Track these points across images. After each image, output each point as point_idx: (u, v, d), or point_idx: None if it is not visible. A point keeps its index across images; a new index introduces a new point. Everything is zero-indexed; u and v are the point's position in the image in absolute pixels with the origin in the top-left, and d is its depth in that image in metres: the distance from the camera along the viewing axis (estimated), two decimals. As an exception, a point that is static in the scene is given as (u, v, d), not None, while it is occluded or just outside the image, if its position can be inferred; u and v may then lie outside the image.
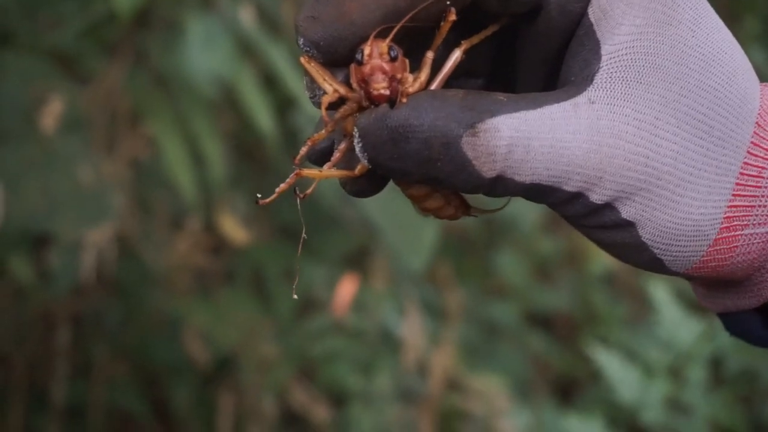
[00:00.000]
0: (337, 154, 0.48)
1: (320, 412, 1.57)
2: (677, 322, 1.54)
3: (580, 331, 2.05)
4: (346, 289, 1.58)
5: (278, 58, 1.59)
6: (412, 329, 1.61)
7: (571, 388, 2.03)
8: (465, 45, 0.48)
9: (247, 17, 1.61)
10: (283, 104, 1.69)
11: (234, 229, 1.62)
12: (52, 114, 1.58)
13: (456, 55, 0.48)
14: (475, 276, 1.89)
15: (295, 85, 1.57)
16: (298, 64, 0.47)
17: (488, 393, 1.63)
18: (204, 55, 1.53)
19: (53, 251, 1.55)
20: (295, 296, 0.51)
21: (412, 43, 0.49)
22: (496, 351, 1.83)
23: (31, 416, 1.65)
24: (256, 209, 1.72)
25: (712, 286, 0.52)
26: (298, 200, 0.49)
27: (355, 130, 0.47)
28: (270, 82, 1.64)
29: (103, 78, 1.66)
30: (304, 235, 0.51)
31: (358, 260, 1.71)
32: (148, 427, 1.71)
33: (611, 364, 1.48)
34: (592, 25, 0.48)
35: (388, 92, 0.46)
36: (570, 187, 0.47)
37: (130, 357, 1.67)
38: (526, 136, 0.46)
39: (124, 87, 1.63)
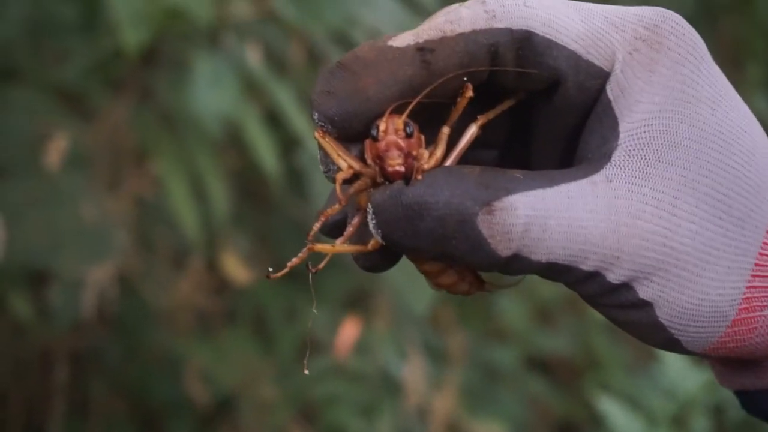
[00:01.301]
0: (350, 229, 0.47)
1: (320, 455, 1.56)
2: (681, 370, 1.53)
3: (580, 375, 2.04)
4: (349, 331, 1.57)
5: (284, 97, 1.59)
6: (413, 372, 1.60)
7: (572, 431, 2.02)
8: (481, 120, 0.48)
9: (253, 56, 1.61)
10: (288, 143, 1.69)
11: (236, 268, 1.61)
12: (56, 150, 1.57)
13: (472, 131, 0.48)
14: (477, 319, 1.89)
15: (301, 125, 1.57)
16: (314, 137, 0.47)
17: (489, 438, 1.61)
18: (210, 93, 1.53)
19: (54, 288, 1.54)
20: (308, 362, 0.50)
21: (428, 117, 0.48)
22: (497, 395, 1.82)
23: (28, 453, 1.64)
24: (258, 248, 1.71)
25: (729, 364, 0.51)
26: (310, 275, 0.48)
27: (369, 206, 0.46)
28: (275, 120, 1.64)
29: (108, 115, 1.66)
30: (314, 309, 0.51)
31: (360, 302, 1.70)
32: (145, 465, 1.69)
33: (614, 413, 1.47)
34: (610, 101, 0.48)
35: (403, 169, 0.46)
36: (587, 266, 0.46)
37: (129, 395, 1.66)
38: (543, 215, 0.46)
39: (129, 124, 1.63)
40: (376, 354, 1.60)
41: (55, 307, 1.53)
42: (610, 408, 1.49)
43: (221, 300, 1.69)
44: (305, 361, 0.50)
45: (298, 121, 1.56)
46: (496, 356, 1.87)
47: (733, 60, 2.41)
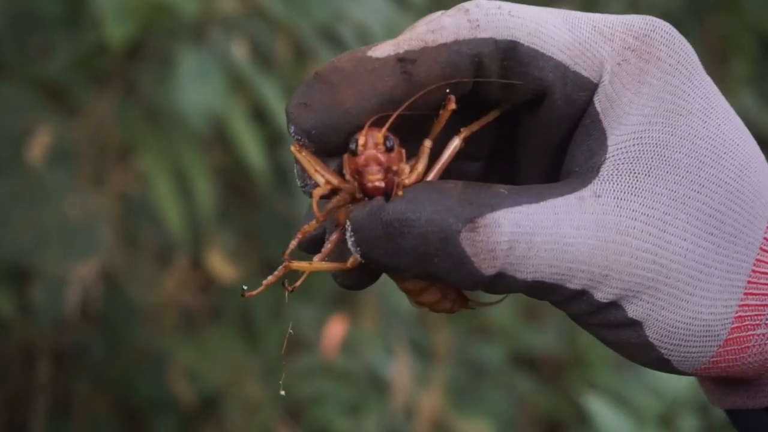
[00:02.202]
0: (328, 245, 0.46)
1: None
2: (668, 369, 1.52)
3: (566, 372, 2.04)
4: (335, 329, 1.56)
5: (270, 93, 1.58)
6: (400, 370, 1.59)
7: (557, 430, 2.02)
8: (464, 133, 0.47)
9: (239, 51, 1.60)
10: (273, 139, 1.68)
11: (222, 265, 1.60)
12: (39, 145, 1.56)
13: (455, 144, 0.46)
14: (463, 316, 1.88)
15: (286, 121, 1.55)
16: (290, 152, 0.45)
17: (475, 436, 1.61)
18: (196, 89, 1.52)
19: (37, 284, 1.53)
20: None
21: (409, 129, 0.47)
22: (483, 392, 1.82)
23: (11, 451, 1.63)
24: (244, 245, 1.70)
25: (720, 383, 0.50)
26: (287, 293, 0.47)
27: (348, 223, 0.44)
28: (261, 116, 1.62)
29: (93, 110, 1.64)
30: (290, 330, 0.49)
31: (346, 299, 1.69)
32: (129, 463, 1.68)
33: (602, 412, 1.47)
34: (598, 114, 0.47)
35: (383, 184, 0.44)
36: (574, 284, 0.45)
37: (113, 393, 1.65)
38: (529, 232, 0.44)
39: (114, 120, 1.61)
40: (363, 352, 1.59)
41: (39, 304, 1.52)
42: (598, 407, 1.49)
43: (206, 297, 1.68)
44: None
45: (284, 117, 1.55)
46: (482, 353, 1.86)
47: (719, 56, 2.40)
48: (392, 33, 1.54)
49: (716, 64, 2.28)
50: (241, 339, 1.61)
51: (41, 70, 1.63)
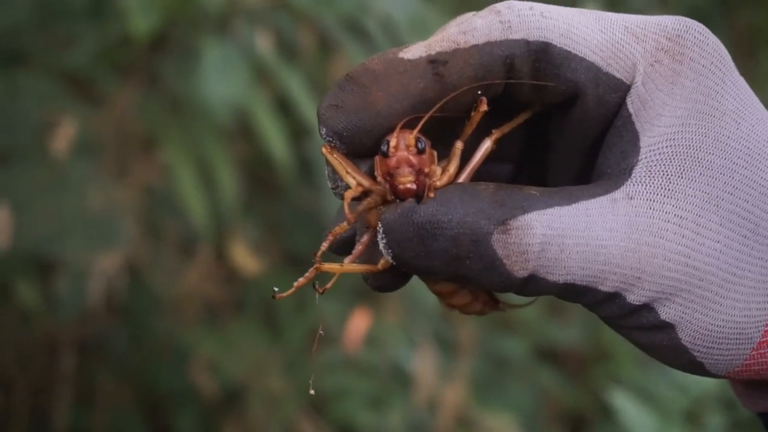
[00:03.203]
0: (359, 247, 0.46)
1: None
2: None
3: (590, 367, 2.03)
4: (358, 323, 1.55)
5: (294, 84, 1.57)
6: (424, 364, 1.58)
7: (580, 424, 2.01)
8: (496, 134, 0.46)
9: (264, 43, 1.59)
10: (297, 131, 1.67)
11: (245, 258, 1.59)
12: (63, 137, 1.56)
13: (486, 146, 0.46)
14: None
15: (311, 113, 1.55)
16: (321, 153, 0.45)
17: (498, 431, 1.60)
18: (220, 81, 1.52)
19: (61, 276, 1.53)
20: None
21: (440, 131, 0.47)
22: (507, 386, 1.81)
23: (34, 442, 1.63)
24: (268, 237, 1.70)
25: (752, 386, 0.50)
26: (317, 295, 0.47)
27: (380, 225, 0.44)
28: (285, 108, 1.62)
29: (117, 101, 1.64)
30: (321, 332, 0.49)
31: (370, 293, 1.69)
32: (151, 454, 1.68)
33: (627, 408, 1.45)
34: (630, 115, 0.46)
35: (414, 186, 0.44)
36: (606, 287, 0.45)
37: (136, 384, 1.65)
38: (560, 234, 0.44)
39: (138, 111, 1.61)
40: (387, 346, 1.58)
41: (62, 296, 1.52)
42: (623, 402, 1.47)
43: (229, 290, 1.68)
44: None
45: (309, 109, 1.55)
46: (506, 348, 1.85)
47: (747, 50, 2.38)
48: (417, 25, 1.54)
49: (744, 57, 2.27)
50: (264, 332, 1.61)
51: (65, 60, 1.63)
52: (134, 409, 1.64)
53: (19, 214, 1.50)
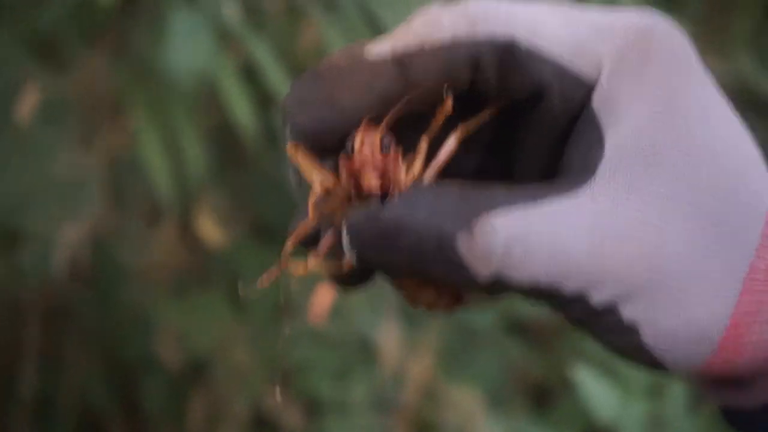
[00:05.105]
0: (322, 248, 0.45)
1: (294, 419, 1.55)
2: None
3: (556, 337, 2.03)
4: (324, 296, 1.55)
5: (261, 52, 1.56)
6: (388, 336, 1.59)
7: (547, 395, 2.02)
8: (461, 132, 0.46)
9: (231, 9, 1.58)
10: (265, 99, 1.66)
11: (211, 228, 1.59)
12: (28, 103, 1.55)
13: (450, 144, 0.46)
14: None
15: (278, 80, 1.54)
16: (288, 152, 0.44)
17: (464, 404, 1.61)
18: (185, 47, 1.51)
19: (25, 245, 1.52)
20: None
21: (406, 125, 0.46)
22: (474, 357, 1.82)
23: (-1, 410, 1.63)
24: (236, 206, 1.69)
25: (714, 382, 0.50)
26: (281, 296, 0.46)
27: (344, 226, 0.44)
28: (252, 76, 1.61)
29: (84, 66, 1.63)
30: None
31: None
32: (117, 423, 1.68)
33: (588, 382, 1.46)
34: (595, 113, 0.46)
35: (379, 187, 0.44)
36: (570, 288, 0.45)
37: (102, 354, 1.65)
38: (524, 233, 0.44)
39: (105, 77, 1.60)
40: (352, 318, 1.59)
41: (26, 265, 1.51)
42: (584, 376, 1.48)
43: (196, 260, 1.67)
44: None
45: (276, 76, 1.54)
46: (474, 319, 1.85)
47: (719, 15, 2.38)
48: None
49: (716, 22, 2.26)
50: (229, 303, 1.61)
51: (30, 23, 1.61)
52: (101, 379, 1.64)
53: (-18, 182, 1.49)
